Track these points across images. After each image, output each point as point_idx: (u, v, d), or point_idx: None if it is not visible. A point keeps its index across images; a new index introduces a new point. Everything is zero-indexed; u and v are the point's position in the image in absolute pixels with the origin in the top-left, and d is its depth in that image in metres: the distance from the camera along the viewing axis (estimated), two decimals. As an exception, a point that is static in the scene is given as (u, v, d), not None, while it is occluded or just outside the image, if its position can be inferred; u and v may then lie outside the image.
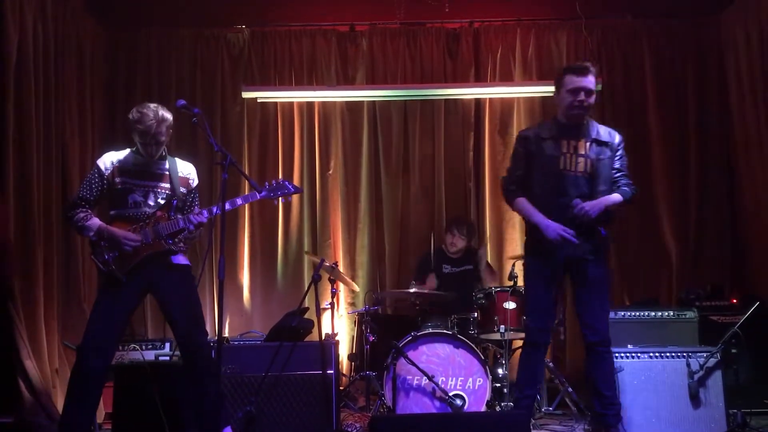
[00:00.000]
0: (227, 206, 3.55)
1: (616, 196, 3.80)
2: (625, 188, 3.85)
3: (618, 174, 3.88)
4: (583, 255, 3.77)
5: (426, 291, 5.10)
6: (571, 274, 3.86)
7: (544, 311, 3.87)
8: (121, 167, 3.70)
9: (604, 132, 3.90)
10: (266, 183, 3.75)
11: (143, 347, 4.90)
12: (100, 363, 3.51)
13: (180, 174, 3.84)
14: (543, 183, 3.84)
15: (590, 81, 3.80)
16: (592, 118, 3.97)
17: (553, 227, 3.73)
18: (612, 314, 4.66)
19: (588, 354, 3.84)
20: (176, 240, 3.70)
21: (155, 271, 3.65)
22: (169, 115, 3.69)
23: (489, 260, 5.95)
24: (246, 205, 5.40)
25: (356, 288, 5.76)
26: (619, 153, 3.90)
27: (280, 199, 3.75)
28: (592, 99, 3.83)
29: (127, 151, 3.78)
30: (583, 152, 3.82)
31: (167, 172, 3.78)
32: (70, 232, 5.06)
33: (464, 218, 5.85)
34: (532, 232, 3.91)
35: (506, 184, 4.02)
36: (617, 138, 3.92)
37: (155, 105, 3.69)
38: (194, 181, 3.92)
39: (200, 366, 3.62)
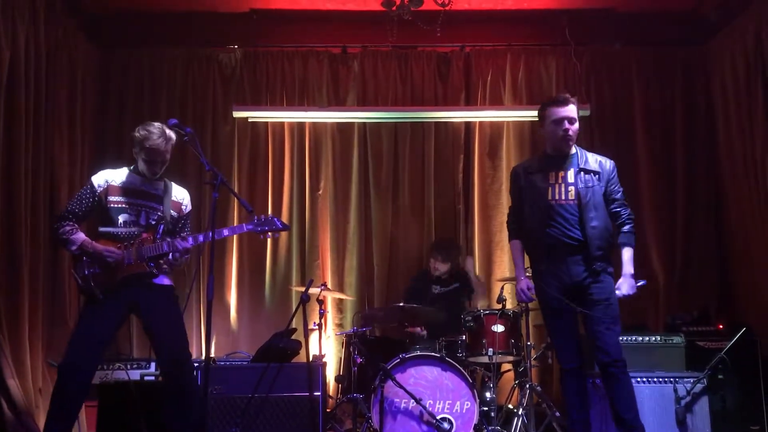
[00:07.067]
0: (214, 237, 3.51)
1: (628, 253, 3.88)
2: (627, 227, 3.89)
3: (616, 206, 3.90)
4: (585, 279, 3.78)
5: (414, 306, 5.05)
6: (578, 299, 3.83)
7: (563, 340, 3.89)
8: (115, 186, 3.71)
9: (592, 160, 3.93)
10: (255, 217, 3.72)
11: (128, 366, 4.85)
12: (80, 382, 3.49)
13: (174, 198, 3.85)
14: (531, 215, 3.91)
15: (572, 110, 3.85)
16: (580, 146, 4.01)
17: (520, 285, 3.96)
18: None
19: (603, 377, 3.79)
20: (158, 263, 3.69)
21: (137, 291, 3.64)
22: (173, 134, 3.71)
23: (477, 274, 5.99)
24: (234, 224, 5.39)
25: (349, 297, 5.83)
26: (612, 181, 3.92)
27: (268, 234, 3.74)
28: (576, 126, 3.89)
29: (124, 169, 3.80)
30: (571, 181, 3.86)
31: (162, 194, 3.79)
32: (57, 249, 5.03)
33: (444, 242, 5.82)
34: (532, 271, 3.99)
35: (508, 223, 4.19)
36: (608, 165, 3.95)
37: (159, 124, 3.72)
38: (187, 207, 3.93)
39: (183, 386, 3.59)
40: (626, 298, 3.86)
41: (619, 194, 3.94)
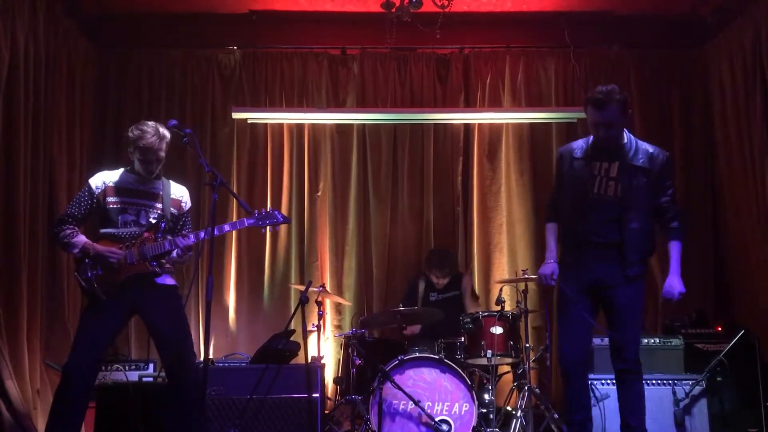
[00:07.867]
0: (215, 232, 3.52)
1: (677, 248, 3.67)
2: (676, 223, 3.67)
3: (665, 201, 3.65)
4: (611, 281, 3.63)
5: (413, 309, 5.06)
6: (602, 300, 3.71)
7: (570, 340, 3.73)
8: (113, 187, 3.70)
9: (642, 154, 3.64)
10: (255, 211, 3.70)
11: (126, 367, 4.85)
12: (84, 384, 3.49)
13: (173, 196, 3.84)
14: (568, 205, 3.73)
15: (609, 113, 3.55)
16: (634, 136, 3.74)
17: (544, 269, 3.75)
18: (598, 341, 4.69)
19: (616, 381, 3.73)
20: (161, 262, 3.68)
21: (140, 292, 3.63)
22: (168, 133, 3.69)
23: (476, 285, 5.96)
24: (233, 226, 5.38)
25: (346, 302, 5.81)
26: (662, 174, 3.64)
27: (268, 228, 3.73)
28: (615, 129, 3.60)
29: (120, 170, 3.79)
30: (614, 175, 3.61)
31: (160, 192, 3.78)
32: (56, 251, 5.03)
33: (440, 255, 5.74)
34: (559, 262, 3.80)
35: (546, 206, 4.03)
36: (660, 157, 3.65)
37: (153, 122, 3.71)
38: (186, 204, 3.92)
39: (186, 387, 3.58)
40: (679, 297, 3.64)
41: (670, 190, 3.67)
